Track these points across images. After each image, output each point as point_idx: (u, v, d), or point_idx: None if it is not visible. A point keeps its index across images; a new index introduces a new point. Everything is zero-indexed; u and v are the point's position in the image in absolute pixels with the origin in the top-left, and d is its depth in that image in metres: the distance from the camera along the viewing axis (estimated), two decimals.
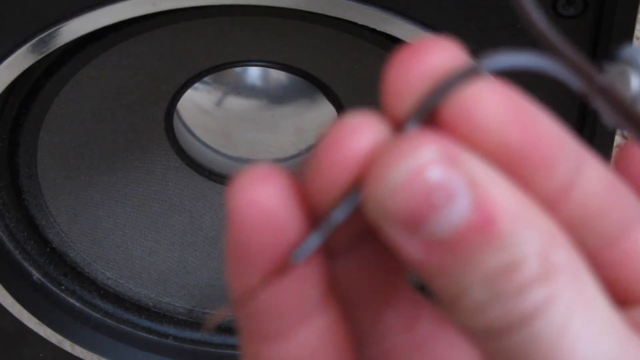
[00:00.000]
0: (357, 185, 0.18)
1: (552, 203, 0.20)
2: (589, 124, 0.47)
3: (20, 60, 0.47)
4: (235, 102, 0.59)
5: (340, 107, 0.54)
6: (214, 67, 0.53)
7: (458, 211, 0.18)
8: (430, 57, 0.19)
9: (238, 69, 0.58)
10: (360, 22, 0.45)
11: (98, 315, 0.61)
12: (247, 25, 0.50)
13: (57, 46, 0.47)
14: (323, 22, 0.47)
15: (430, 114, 0.19)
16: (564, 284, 0.18)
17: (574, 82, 0.19)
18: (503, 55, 0.19)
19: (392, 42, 0.47)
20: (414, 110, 0.19)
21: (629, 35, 0.45)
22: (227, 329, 0.63)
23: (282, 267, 0.19)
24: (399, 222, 0.18)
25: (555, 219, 0.19)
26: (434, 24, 0.45)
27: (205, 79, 0.55)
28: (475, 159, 0.18)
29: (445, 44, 0.19)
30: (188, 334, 0.63)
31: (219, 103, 0.60)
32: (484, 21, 0.45)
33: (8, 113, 0.53)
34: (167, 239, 0.61)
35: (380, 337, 0.22)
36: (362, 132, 0.19)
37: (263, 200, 0.19)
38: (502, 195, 0.18)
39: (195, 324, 0.63)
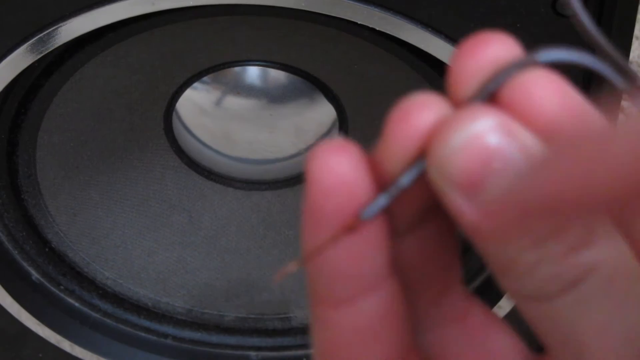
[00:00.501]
0: (422, 154, 0.20)
1: None
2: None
3: (19, 60, 0.47)
4: (235, 102, 0.59)
5: (339, 107, 0.54)
6: (213, 66, 0.53)
7: (513, 177, 0.19)
8: (490, 48, 0.21)
9: (237, 69, 0.58)
10: (360, 22, 0.45)
11: (97, 315, 0.61)
12: (246, 25, 0.50)
13: (55, 46, 0.47)
14: (323, 22, 0.47)
15: (490, 96, 0.21)
16: (606, 252, 0.20)
17: (616, 80, 0.21)
18: (556, 49, 0.21)
19: (392, 42, 0.47)
20: (475, 92, 0.21)
21: (628, 35, 0.45)
22: (227, 329, 0.63)
23: (351, 224, 0.20)
24: (459, 184, 0.19)
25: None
26: (434, 23, 0.45)
27: (205, 78, 0.55)
28: (529, 132, 0.20)
29: (503, 38, 0.21)
30: (187, 333, 0.63)
31: (218, 103, 0.60)
32: (484, 21, 0.45)
33: (7, 112, 0.53)
34: (166, 238, 0.61)
35: (433, 326, 0.23)
36: (428, 107, 0.20)
37: (337, 168, 0.20)
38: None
39: (194, 323, 0.63)
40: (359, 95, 0.53)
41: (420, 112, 0.20)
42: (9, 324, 0.59)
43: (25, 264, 0.59)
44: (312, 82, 0.54)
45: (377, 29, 0.45)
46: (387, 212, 0.21)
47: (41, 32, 0.46)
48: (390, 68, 0.50)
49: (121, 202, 0.59)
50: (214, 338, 0.63)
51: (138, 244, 0.61)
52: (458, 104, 0.21)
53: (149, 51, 0.51)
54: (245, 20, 0.50)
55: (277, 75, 0.58)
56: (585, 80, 0.48)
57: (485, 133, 0.19)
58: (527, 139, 0.20)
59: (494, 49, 0.21)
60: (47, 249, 0.59)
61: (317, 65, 0.52)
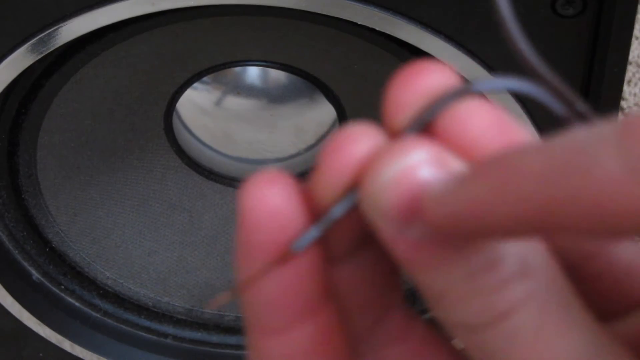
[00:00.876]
0: (355, 186, 0.20)
1: None
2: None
3: (20, 60, 0.47)
4: (235, 102, 0.59)
5: (339, 107, 0.54)
6: (214, 66, 0.53)
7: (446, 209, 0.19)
8: (427, 77, 0.21)
9: (237, 69, 0.58)
10: (360, 22, 0.45)
11: (97, 315, 0.61)
12: (246, 25, 0.50)
13: (56, 46, 0.47)
14: (323, 22, 0.47)
15: (425, 126, 0.21)
16: (540, 284, 0.20)
17: (555, 106, 0.21)
18: (492, 79, 0.21)
19: (392, 42, 0.47)
20: (411, 121, 0.21)
21: (628, 35, 0.45)
22: (227, 328, 0.63)
23: (283, 256, 0.21)
24: (390, 217, 0.20)
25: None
26: (434, 24, 0.45)
27: (205, 78, 0.55)
28: (463, 165, 0.20)
29: (441, 68, 0.21)
30: (187, 333, 0.63)
31: (218, 103, 0.60)
32: (484, 21, 0.45)
33: (7, 113, 0.53)
34: (166, 238, 0.61)
35: (374, 347, 0.23)
36: (362, 138, 0.21)
37: (269, 200, 0.21)
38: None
39: (194, 323, 0.63)
40: (359, 95, 0.53)
41: (353, 143, 0.20)
42: (9, 324, 0.59)
43: (25, 264, 0.59)
44: (312, 82, 0.54)
45: (377, 29, 0.45)
46: (322, 241, 0.21)
47: (42, 33, 0.46)
48: (390, 68, 0.50)
49: (121, 202, 0.60)
50: (215, 338, 0.63)
51: (138, 243, 0.61)
52: (393, 134, 0.21)
53: (149, 51, 0.51)
54: (245, 20, 0.50)
55: (277, 75, 0.58)
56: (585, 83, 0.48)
57: (416, 166, 0.20)
58: (460, 168, 0.20)
59: (430, 78, 0.21)
60: (47, 249, 0.59)
61: (317, 65, 0.53)
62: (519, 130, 0.21)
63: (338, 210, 0.21)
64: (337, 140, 0.21)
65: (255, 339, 0.22)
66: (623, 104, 0.95)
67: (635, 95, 0.94)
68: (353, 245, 0.22)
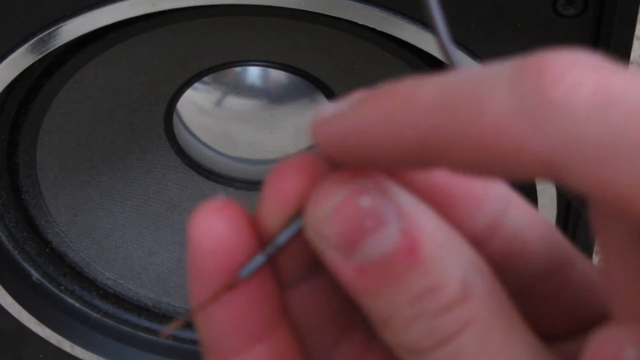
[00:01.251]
0: (298, 213, 0.21)
1: (480, 240, 0.22)
2: None
3: (20, 60, 0.47)
4: (235, 102, 0.59)
5: None
6: (214, 67, 0.53)
7: (387, 236, 0.20)
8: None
9: (238, 69, 0.58)
10: (360, 22, 0.45)
11: (97, 316, 0.61)
12: (247, 25, 0.50)
13: (56, 46, 0.47)
14: (323, 22, 0.47)
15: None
16: (482, 307, 0.20)
17: None
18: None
19: (392, 42, 0.47)
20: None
21: (629, 35, 0.45)
22: None
23: (230, 283, 0.21)
24: (334, 244, 0.20)
25: (479, 252, 0.21)
26: None
27: (205, 78, 0.55)
28: (405, 193, 0.20)
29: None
30: (187, 334, 0.63)
31: (218, 103, 0.60)
32: (484, 21, 0.45)
33: (7, 113, 0.53)
34: (166, 239, 0.61)
35: None
36: (304, 168, 0.21)
37: (216, 228, 0.21)
38: (427, 225, 0.20)
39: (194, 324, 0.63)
40: None
41: (296, 173, 0.21)
42: (9, 324, 0.59)
43: (25, 265, 0.59)
44: (312, 82, 0.54)
45: (377, 29, 0.45)
46: (272, 267, 0.22)
47: (42, 33, 0.46)
48: (390, 68, 0.50)
49: (122, 203, 0.60)
50: None
51: (138, 244, 0.61)
52: (335, 165, 0.21)
53: (149, 51, 0.51)
54: (245, 20, 0.50)
55: (278, 76, 0.58)
56: None
57: (358, 194, 0.20)
58: (403, 198, 0.20)
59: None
60: (47, 250, 0.59)
61: (317, 65, 0.53)
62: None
63: (282, 238, 0.21)
64: (280, 170, 0.21)
65: None
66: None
67: None
68: (304, 269, 0.22)
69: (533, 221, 0.22)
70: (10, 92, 0.51)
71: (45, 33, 0.46)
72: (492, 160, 0.18)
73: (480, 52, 0.45)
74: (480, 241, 0.22)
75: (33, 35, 0.46)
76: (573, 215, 0.49)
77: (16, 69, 0.48)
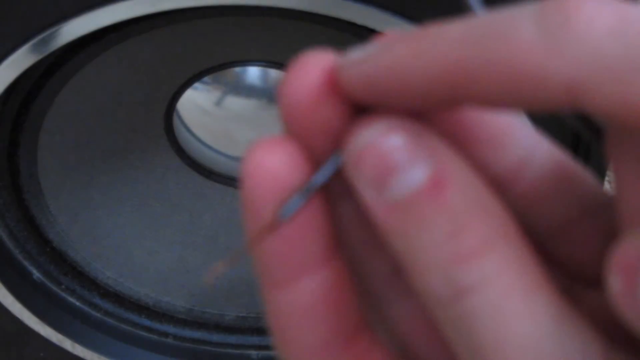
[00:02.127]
0: (336, 151, 0.21)
1: (506, 180, 0.22)
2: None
3: (21, 60, 0.47)
4: (235, 102, 0.59)
5: None
6: (214, 67, 0.53)
7: (416, 175, 0.20)
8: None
9: (237, 69, 0.58)
10: (360, 22, 0.45)
11: (98, 315, 0.62)
12: (247, 25, 0.50)
13: (57, 46, 0.47)
14: (323, 22, 0.47)
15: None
16: (504, 264, 0.20)
17: None
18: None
19: None
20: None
21: None
22: (227, 328, 0.63)
23: (272, 223, 0.21)
24: (367, 181, 0.20)
25: (504, 199, 0.21)
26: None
27: (205, 78, 0.55)
28: (437, 136, 0.21)
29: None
30: (188, 332, 0.63)
31: (218, 103, 0.60)
32: None
33: (8, 113, 0.53)
34: (167, 238, 0.61)
35: (390, 300, 0.23)
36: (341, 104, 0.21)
37: (268, 165, 0.21)
38: (456, 169, 0.20)
39: (195, 323, 0.63)
40: None
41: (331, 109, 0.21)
42: (10, 323, 0.59)
43: (26, 264, 0.59)
44: None
45: (377, 29, 0.45)
46: (325, 189, 0.22)
47: (42, 33, 0.46)
48: None
49: (122, 202, 0.60)
50: (215, 337, 0.63)
51: (139, 243, 0.61)
52: (360, 110, 0.22)
53: (149, 52, 0.51)
54: (245, 20, 0.50)
55: (277, 76, 0.58)
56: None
57: (391, 132, 0.20)
58: (435, 141, 0.21)
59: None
60: (48, 249, 0.59)
61: None
62: None
63: (319, 177, 0.21)
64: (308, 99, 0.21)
65: (266, 292, 0.23)
66: None
67: None
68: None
69: (561, 165, 0.23)
70: (11, 92, 0.51)
71: (45, 33, 0.46)
72: (518, 88, 0.18)
73: None
74: (506, 182, 0.22)
75: (34, 35, 0.46)
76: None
77: (17, 69, 0.48)
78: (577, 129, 0.21)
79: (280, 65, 0.53)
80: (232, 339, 0.63)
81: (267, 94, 0.59)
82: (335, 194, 0.22)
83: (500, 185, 0.22)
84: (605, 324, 0.21)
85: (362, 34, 0.47)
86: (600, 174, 0.49)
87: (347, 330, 0.23)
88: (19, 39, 0.46)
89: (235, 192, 0.60)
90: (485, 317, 0.20)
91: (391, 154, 0.20)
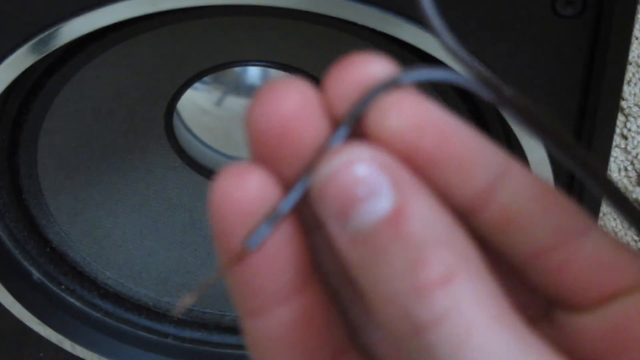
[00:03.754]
0: (303, 178, 0.21)
1: (475, 206, 0.22)
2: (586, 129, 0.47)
3: (20, 60, 0.47)
4: (235, 102, 0.59)
5: None
6: (214, 67, 0.53)
7: (377, 207, 0.20)
8: (361, 68, 0.22)
9: (238, 69, 0.58)
10: (360, 22, 0.45)
11: (98, 315, 0.62)
12: (247, 25, 0.50)
13: (57, 46, 0.47)
14: (323, 22, 0.47)
15: (358, 119, 0.22)
16: (465, 295, 0.20)
17: (484, 93, 0.22)
18: (419, 70, 0.22)
19: (392, 43, 0.47)
20: (346, 116, 0.22)
21: (627, 35, 0.45)
22: (227, 328, 0.63)
23: (240, 253, 0.21)
24: (330, 210, 0.20)
25: (472, 227, 0.21)
26: None
27: (205, 78, 0.55)
28: (402, 167, 0.21)
29: (376, 58, 0.22)
30: (188, 333, 0.63)
31: (218, 103, 0.60)
32: (483, 21, 0.45)
33: (8, 113, 0.53)
34: (167, 238, 0.61)
35: (365, 329, 0.23)
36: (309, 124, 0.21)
37: (235, 193, 0.21)
38: (419, 201, 0.20)
39: (195, 323, 0.63)
40: None
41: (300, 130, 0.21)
42: (10, 324, 0.59)
43: (26, 264, 0.59)
44: (312, 82, 0.54)
45: (377, 29, 0.45)
46: (297, 216, 0.22)
47: (42, 33, 0.46)
48: None
49: (122, 202, 0.60)
50: (215, 337, 0.63)
51: (139, 243, 0.61)
52: (333, 122, 0.22)
53: (150, 51, 0.51)
54: (245, 20, 0.50)
55: (278, 76, 0.58)
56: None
57: (355, 162, 0.20)
58: (398, 170, 0.21)
59: (363, 69, 0.22)
60: (48, 249, 0.59)
61: (317, 65, 0.53)
62: (451, 123, 0.21)
63: (285, 206, 0.21)
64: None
65: (242, 320, 0.23)
66: (623, 104, 0.95)
67: (635, 95, 0.94)
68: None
69: (534, 190, 0.22)
70: (10, 92, 0.51)
71: (45, 33, 0.46)
72: None
73: (479, 52, 0.45)
74: (475, 208, 0.22)
75: (33, 35, 0.46)
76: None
77: (17, 69, 0.48)
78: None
79: (280, 65, 0.53)
80: (232, 339, 0.63)
81: None
82: (309, 220, 0.22)
83: (470, 210, 0.22)
84: (580, 350, 0.21)
85: (362, 34, 0.47)
86: (602, 168, 0.49)
87: (326, 357, 0.22)
88: (19, 38, 0.46)
89: None
90: (446, 353, 0.19)
91: (353, 185, 0.20)
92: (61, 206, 0.58)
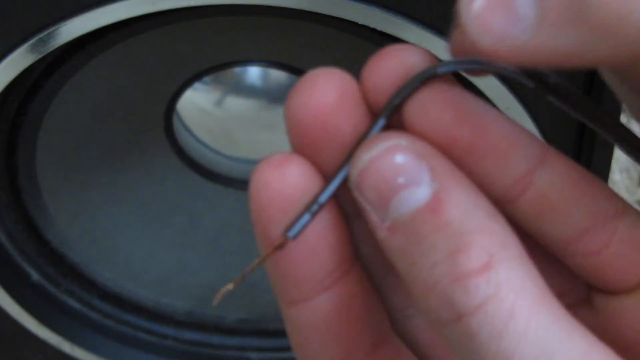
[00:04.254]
0: (342, 168, 0.21)
1: (513, 193, 0.22)
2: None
3: (19, 60, 0.47)
4: (235, 102, 0.59)
5: None
6: (214, 67, 0.53)
7: (416, 195, 0.20)
8: (399, 59, 0.22)
9: (238, 69, 0.58)
10: (360, 22, 0.45)
11: (97, 316, 0.61)
12: (246, 25, 0.50)
13: (56, 46, 0.47)
14: (323, 22, 0.47)
15: (395, 111, 0.22)
16: (504, 281, 0.20)
17: (526, 81, 0.22)
18: (457, 60, 0.22)
19: (392, 42, 0.47)
20: (384, 107, 0.22)
21: None
22: (227, 330, 0.63)
23: (281, 243, 0.21)
24: (369, 199, 0.21)
25: (510, 213, 0.21)
26: (435, 23, 0.45)
27: (205, 79, 0.55)
28: (441, 155, 0.21)
29: (415, 48, 0.22)
30: (188, 335, 0.63)
31: (218, 103, 0.60)
32: None
33: (7, 113, 0.53)
34: (166, 239, 0.61)
35: (407, 315, 0.24)
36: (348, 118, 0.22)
37: (275, 184, 0.21)
38: (458, 189, 0.20)
39: (195, 324, 0.63)
40: None
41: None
42: (8, 325, 0.59)
43: (25, 265, 0.59)
44: None
45: (378, 29, 0.45)
46: (338, 204, 0.22)
47: (41, 32, 0.46)
48: None
49: (121, 203, 0.59)
50: (215, 339, 0.63)
51: (138, 245, 0.61)
52: (371, 115, 0.22)
53: (149, 51, 0.51)
54: (245, 20, 0.50)
55: (278, 76, 0.58)
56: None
57: (393, 150, 0.21)
58: (436, 159, 0.21)
59: (401, 59, 0.22)
60: (47, 250, 0.59)
61: (317, 65, 0.52)
62: (487, 113, 0.21)
63: (324, 196, 0.21)
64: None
65: (283, 309, 0.23)
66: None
67: None
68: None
69: (570, 175, 0.22)
70: (9, 92, 0.51)
71: (45, 33, 0.46)
72: None
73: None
74: (513, 195, 0.22)
75: (33, 35, 0.46)
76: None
77: (15, 69, 0.48)
78: (519, 82, 0.21)
79: (280, 65, 0.53)
80: (233, 341, 0.63)
81: (267, 94, 0.59)
82: (348, 209, 0.22)
83: (508, 198, 0.22)
84: (622, 334, 0.21)
85: (363, 34, 0.47)
86: (604, 169, 0.48)
87: (367, 344, 0.23)
88: (18, 38, 0.46)
89: (236, 193, 0.60)
90: (488, 338, 0.19)
91: (393, 173, 0.20)
92: (60, 207, 0.58)
